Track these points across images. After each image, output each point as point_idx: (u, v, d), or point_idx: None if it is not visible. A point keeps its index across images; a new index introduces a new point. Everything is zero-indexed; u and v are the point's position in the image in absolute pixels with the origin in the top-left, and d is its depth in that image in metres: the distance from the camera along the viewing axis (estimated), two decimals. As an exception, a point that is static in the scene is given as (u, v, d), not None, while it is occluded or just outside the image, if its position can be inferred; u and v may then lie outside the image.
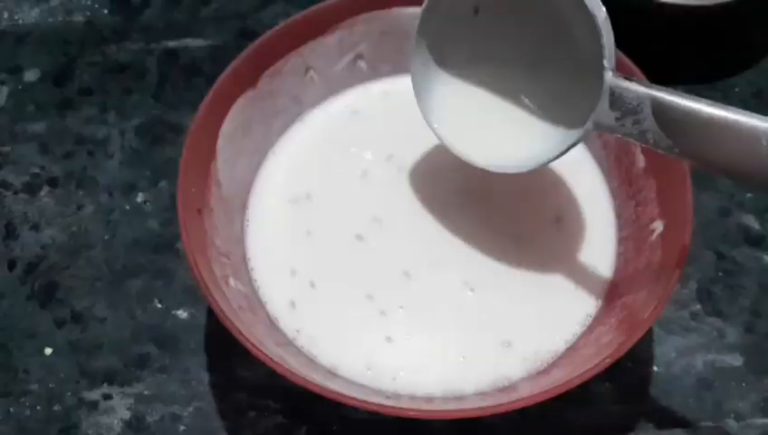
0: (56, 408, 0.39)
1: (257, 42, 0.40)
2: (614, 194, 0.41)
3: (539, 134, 0.37)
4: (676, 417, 0.38)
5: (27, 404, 0.40)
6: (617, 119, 0.32)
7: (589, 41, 0.32)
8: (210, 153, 0.39)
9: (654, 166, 0.38)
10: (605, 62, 0.32)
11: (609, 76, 0.32)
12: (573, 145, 0.34)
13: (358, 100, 0.44)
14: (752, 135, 0.28)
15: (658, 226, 0.37)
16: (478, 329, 0.37)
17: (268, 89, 0.41)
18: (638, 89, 0.31)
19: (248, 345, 0.32)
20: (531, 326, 0.37)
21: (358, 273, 0.38)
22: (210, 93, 0.38)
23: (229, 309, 0.34)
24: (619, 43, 0.38)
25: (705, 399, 0.39)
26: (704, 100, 0.30)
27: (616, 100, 0.31)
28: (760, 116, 0.29)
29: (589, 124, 0.33)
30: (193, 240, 0.35)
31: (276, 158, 0.42)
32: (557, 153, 0.35)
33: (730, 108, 0.29)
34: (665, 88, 0.31)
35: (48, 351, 0.41)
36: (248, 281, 0.38)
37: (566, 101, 0.35)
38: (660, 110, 0.30)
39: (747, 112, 0.29)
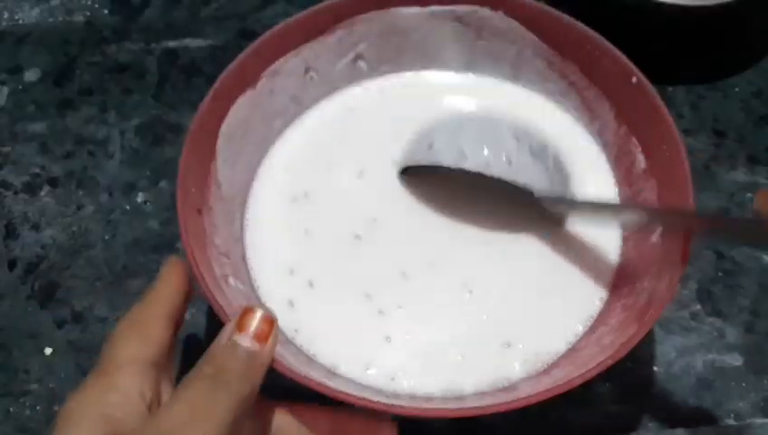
0: (56, 408, 0.39)
1: (257, 41, 0.40)
2: (615, 195, 0.40)
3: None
4: (677, 417, 0.38)
5: (27, 404, 0.40)
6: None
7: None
8: (210, 153, 0.39)
9: (654, 167, 0.38)
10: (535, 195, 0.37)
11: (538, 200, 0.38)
12: None
13: (357, 100, 0.44)
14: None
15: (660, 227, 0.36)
16: (478, 329, 0.37)
17: (268, 89, 0.41)
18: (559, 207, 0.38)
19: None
20: (531, 326, 0.37)
21: (356, 272, 0.38)
22: (210, 93, 0.38)
23: (229, 308, 0.34)
24: (619, 42, 0.39)
25: (705, 399, 0.39)
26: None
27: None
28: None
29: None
30: (193, 239, 0.35)
31: (276, 157, 0.42)
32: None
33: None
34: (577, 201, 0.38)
35: (48, 351, 0.41)
36: (247, 280, 0.38)
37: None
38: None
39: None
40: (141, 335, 0.31)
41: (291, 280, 0.38)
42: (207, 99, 0.38)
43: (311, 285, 0.38)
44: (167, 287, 0.33)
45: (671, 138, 0.36)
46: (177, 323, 0.33)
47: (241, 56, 0.39)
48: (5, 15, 0.53)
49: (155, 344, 0.31)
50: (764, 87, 0.48)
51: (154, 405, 0.30)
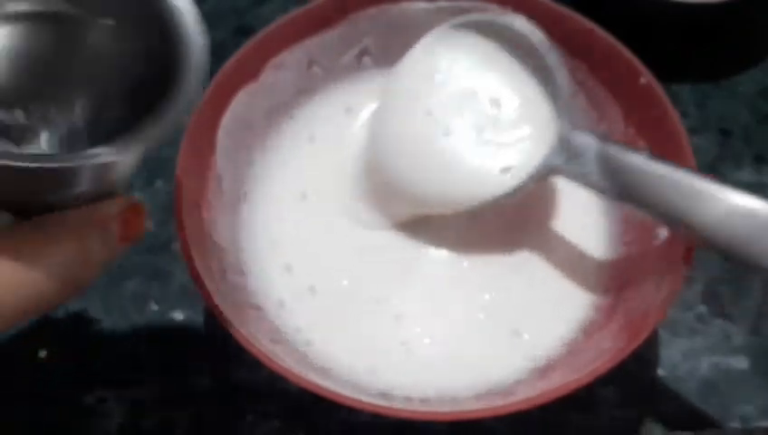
0: (50, 412, 0.39)
1: (260, 34, 0.39)
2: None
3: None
4: (682, 421, 0.38)
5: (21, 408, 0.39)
6: (565, 161, 0.35)
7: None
8: (210, 146, 0.38)
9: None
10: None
11: (560, 126, 0.35)
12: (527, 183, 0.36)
13: (361, 95, 0.43)
14: (687, 191, 0.32)
15: (663, 230, 0.36)
16: (476, 331, 0.37)
17: (271, 82, 0.40)
18: (585, 139, 0.35)
19: (242, 340, 0.32)
20: (530, 330, 0.37)
21: (359, 274, 0.38)
22: (211, 85, 0.38)
23: (224, 304, 0.33)
24: (625, 41, 0.38)
25: (711, 402, 0.38)
26: (642, 153, 0.34)
27: (565, 144, 0.35)
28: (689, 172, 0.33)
29: (542, 165, 0.35)
30: (190, 234, 0.34)
31: (277, 152, 0.42)
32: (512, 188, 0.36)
33: (664, 162, 0.33)
34: (610, 140, 0.35)
35: (42, 353, 0.40)
36: (245, 277, 0.38)
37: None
38: (603, 157, 0.34)
39: (678, 168, 0.33)
40: None
41: (290, 279, 0.38)
42: (208, 90, 0.37)
43: (311, 285, 0.38)
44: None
45: (679, 139, 0.36)
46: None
47: (243, 48, 0.39)
48: (-1, 11, 0.53)
49: None
50: (769, 85, 0.48)
51: None
